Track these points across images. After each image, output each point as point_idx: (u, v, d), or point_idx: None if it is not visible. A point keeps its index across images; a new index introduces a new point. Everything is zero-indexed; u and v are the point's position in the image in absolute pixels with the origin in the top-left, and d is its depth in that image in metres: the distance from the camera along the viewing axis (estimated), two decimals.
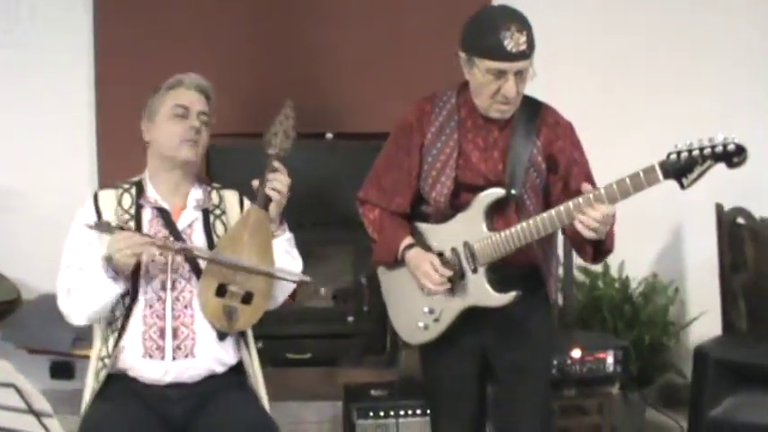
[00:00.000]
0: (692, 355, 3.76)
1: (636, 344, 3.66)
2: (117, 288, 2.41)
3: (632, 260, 3.95)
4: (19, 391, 2.12)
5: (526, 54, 2.30)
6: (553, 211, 2.31)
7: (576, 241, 2.41)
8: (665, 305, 3.92)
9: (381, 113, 3.81)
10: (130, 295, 2.45)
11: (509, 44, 2.28)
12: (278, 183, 2.47)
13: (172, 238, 2.47)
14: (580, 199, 2.26)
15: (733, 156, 2.12)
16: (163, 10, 3.86)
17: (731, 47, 4.03)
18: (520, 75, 2.33)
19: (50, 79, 3.91)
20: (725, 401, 3.15)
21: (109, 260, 2.36)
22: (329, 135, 3.89)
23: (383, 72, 3.88)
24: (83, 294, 2.42)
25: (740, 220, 3.70)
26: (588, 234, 2.26)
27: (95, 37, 3.87)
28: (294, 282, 2.53)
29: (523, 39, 2.29)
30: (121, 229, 2.40)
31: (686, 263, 4.12)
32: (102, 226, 2.40)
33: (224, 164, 3.85)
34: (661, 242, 4.12)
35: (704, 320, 3.92)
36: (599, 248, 2.41)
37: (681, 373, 3.89)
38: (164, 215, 2.52)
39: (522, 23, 2.31)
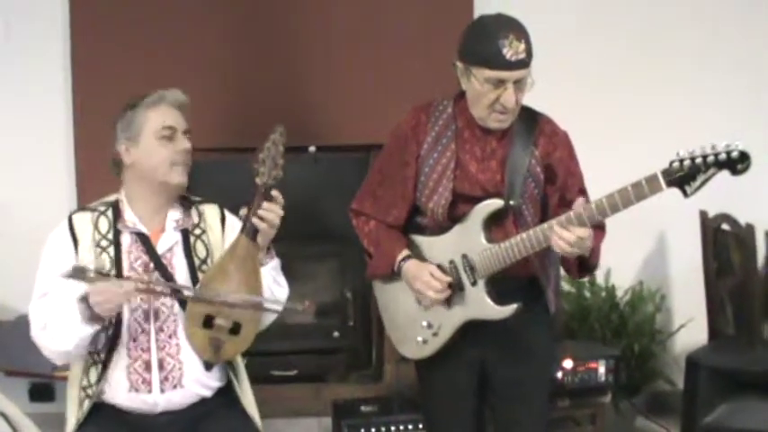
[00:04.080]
0: (679, 362, 3.77)
1: (625, 353, 3.66)
2: (91, 329, 2.28)
3: (618, 269, 3.94)
4: (7, 420, 2.06)
5: (525, 62, 2.28)
6: (554, 221, 2.28)
7: (563, 257, 2.40)
8: (652, 313, 3.93)
9: (365, 126, 3.82)
10: (114, 327, 2.34)
11: (508, 52, 2.25)
12: (269, 213, 2.34)
13: (156, 275, 2.36)
14: (581, 209, 2.24)
15: (737, 163, 2.10)
16: (141, 24, 3.81)
17: (723, 52, 4.06)
18: (518, 84, 2.30)
19: (27, 95, 3.87)
20: (718, 409, 3.16)
21: (84, 300, 2.24)
22: (312, 148, 3.85)
23: (366, 85, 3.86)
24: (57, 333, 2.29)
25: (725, 227, 3.72)
26: (563, 253, 2.27)
27: (72, 52, 3.82)
28: (296, 311, 2.44)
29: (522, 47, 2.27)
30: (100, 274, 2.25)
31: (671, 270, 4.13)
32: (79, 273, 2.23)
33: (206, 179, 3.77)
34: (646, 250, 4.13)
35: (689, 327, 3.93)
36: (584, 264, 2.41)
37: (669, 381, 3.90)
38: (143, 240, 2.41)
39: (521, 31, 2.29)
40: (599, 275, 3.92)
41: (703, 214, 3.74)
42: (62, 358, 2.38)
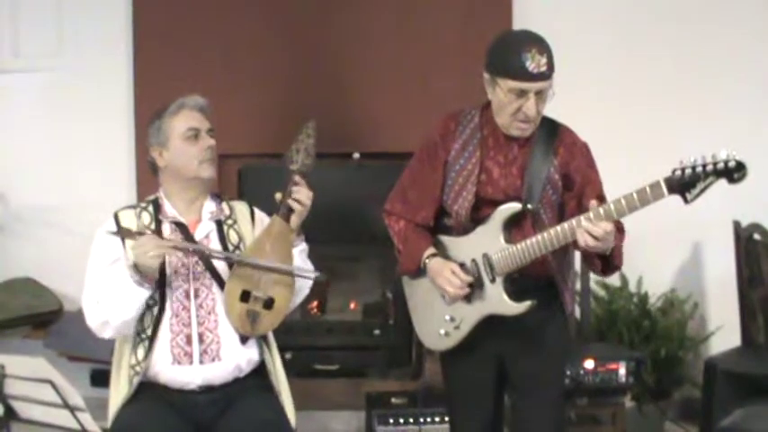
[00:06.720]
0: None
1: (652, 357, 3.74)
2: (144, 292, 2.52)
3: (651, 276, 4.04)
4: (55, 387, 2.26)
5: (546, 75, 2.44)
6: (566, 225, 2.44)
7: (585, 254, 2.53)
8: (683, 319, 3.99)
9: (407, 133, 3.92)
10: (158, 306, 2.59)
11: (530, 65, 2.41)
12: (301, 195, 2.61)
13: (200, 244, 2.63)
14: (591, 213, 2.39)
15: (733, 172, 2.22)
16: (199, 36, 4.06)
17: (751, 69, 4.15)
18: (540, 95, 2.46)
19: (91, 100, 4.12)
20: (735, 412, 3.19)
21: (135, 267, 2.50)
22: (356, 155, 4.03)
23: (409, 93, 4.04)
24: (112, 304, 2.54)
25: (756, 236, 3.77)
26: (588, 247, 2.38)
27: (134, 60, 4.07)
28: (309, 278, 2.67)
29: (544, 60, 2.43)
30: (140, 233, 2.54)
31: (705, 278, 4.20)
32: (123, 231, 2.55)
33: (257, 183, 4.01)
34: (680, 258, 4.20)
35: (724, 335, 3.99)
36: (607, 263, 2.52)
37: (699, 387, 3.90)
38: (182, 229, 2.68)
39: (543, 46, 2.45)
40: (631, 282, 4.03)
41: (736, 224, 3.80)
42: (123, 329, 2.58)
